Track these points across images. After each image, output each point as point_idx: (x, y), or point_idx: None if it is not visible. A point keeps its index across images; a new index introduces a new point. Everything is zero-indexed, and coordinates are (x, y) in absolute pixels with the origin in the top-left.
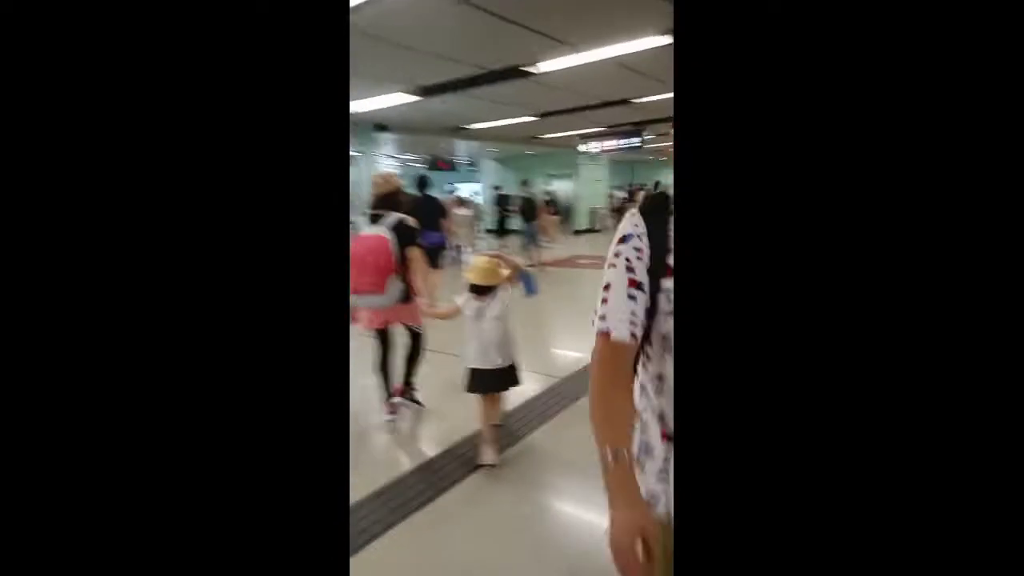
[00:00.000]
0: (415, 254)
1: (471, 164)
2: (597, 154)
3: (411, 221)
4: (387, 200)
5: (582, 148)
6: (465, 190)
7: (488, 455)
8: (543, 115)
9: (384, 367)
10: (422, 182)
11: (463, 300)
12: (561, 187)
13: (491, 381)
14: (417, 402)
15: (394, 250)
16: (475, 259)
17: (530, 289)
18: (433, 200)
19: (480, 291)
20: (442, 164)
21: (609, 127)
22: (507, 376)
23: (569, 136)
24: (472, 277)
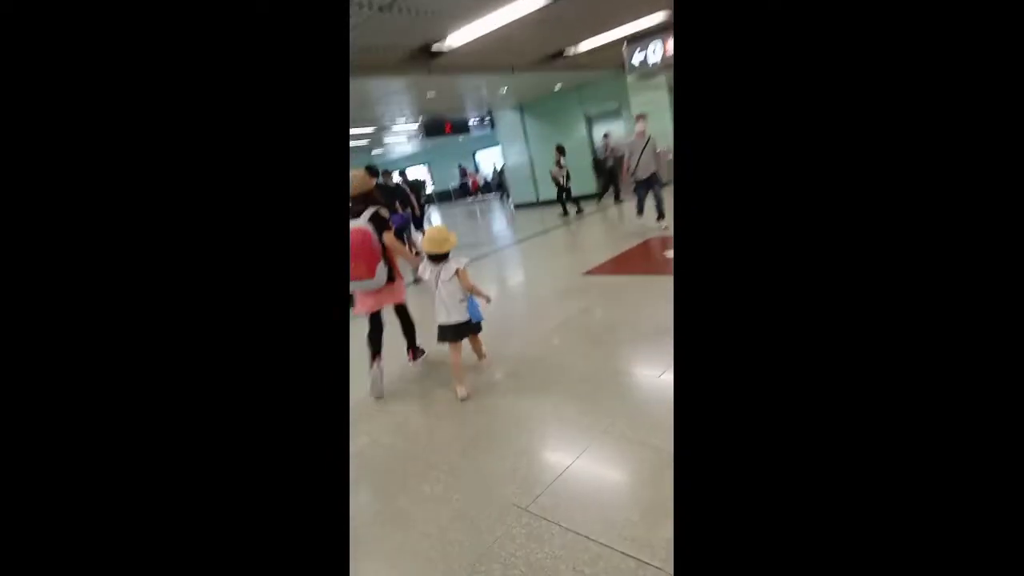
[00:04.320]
0: (390, 238)
1: (484, 120)
2: (655, 68)
3: (384, 212)
4: (363, 197)
5: (637, 58)
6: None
7: (460, 391)
8: None
9: (375, 337)
10: (373, 171)
11: (423, 268)
12: (602, 132)
13: (451, 333)
14: (422, 351)
15: (375, 238)
16: (427, 231)
17: (475, 316)
18: (389, 187)
19: (434, 259)
20: (448, 127)
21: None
22: (465, 328)
23: (607, 47)
24: (426, 247)
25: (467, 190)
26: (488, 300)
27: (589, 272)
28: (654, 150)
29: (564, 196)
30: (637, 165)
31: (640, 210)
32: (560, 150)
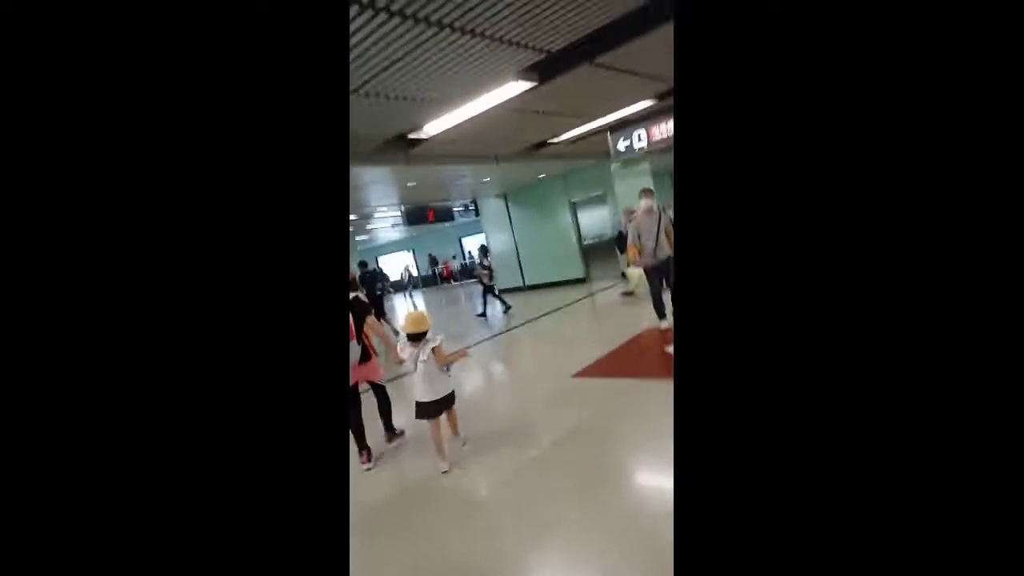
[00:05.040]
0: (371, 321)
1: (468, 207)
2: (639, 154)
3: (363, 297)
4: None
5: (622, 145)
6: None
7: (441, 464)
8: (543, 69)
9: (356, 422)
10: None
11: (402, 348)
12: (589, 218)
13: (430, 409)
14: (401, 433)
15: (351, 321)
16: (406, 314)
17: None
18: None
19: (413, 338)
20: (431, 214)
21: (655, 103)
22: (443, 404)
23: (591, 133)
24: (406, 328)
25: (439, 278)
26: (467, 354)
27: (579, 374)
28: (668, 227)
29: (486, 294)
30: (656, 245)
31: (663, 312)
32: (483, 251)
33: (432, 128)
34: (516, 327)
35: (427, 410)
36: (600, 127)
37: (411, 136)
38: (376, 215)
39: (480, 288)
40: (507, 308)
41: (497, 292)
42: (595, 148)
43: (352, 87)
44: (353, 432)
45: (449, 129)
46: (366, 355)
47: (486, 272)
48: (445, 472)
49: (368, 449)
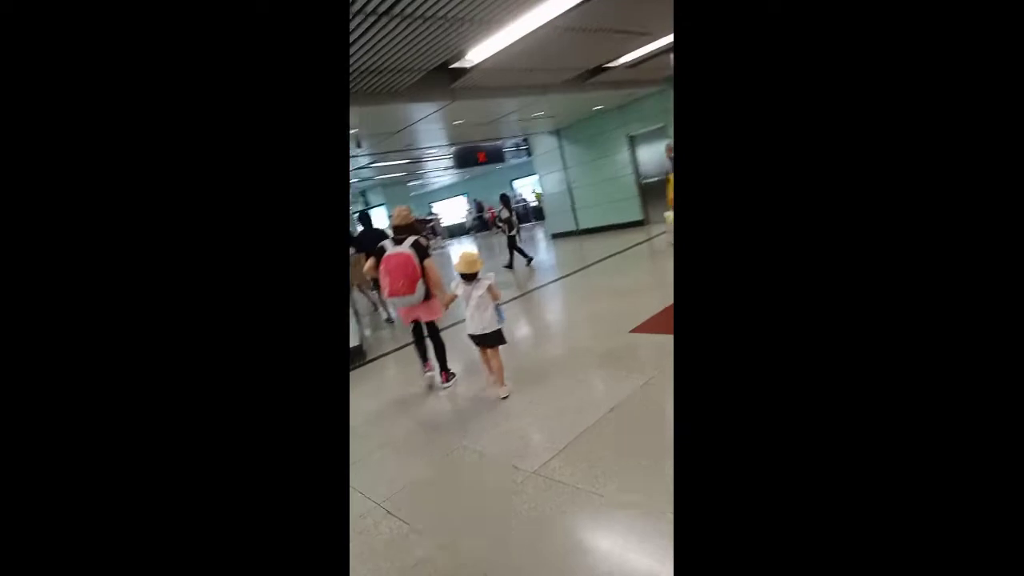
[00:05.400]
0: (429, 264)
1: (520, 147)
2: None
3: (423, 240)
4: (406, 228)
5: None
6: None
7: (500, 391)
8: None
9: (420, 346)
10: (364, 218)
11: (455, 286)
12: (649, 154)
13: (476, 340)
14: (454, 374)
15: (416, 262)
16: (460, 255)
17: (500, 318)
18: (375, 230)
19: (466, 278)
20: (482, 156)
21: None
22: (493, 338)
23: (654, 55)
24: (459, 268)
25: (484, 224)
26: (497, 297)
27: (637, 329)
28: None
29: (511, 244)
30: None
31: None
32: (504, 201)
33: (477, 55)
34: (570, 275)
35: (475, 341)
36: (663, 47)
37: (454, 66)
38: (427, 159)
39: (507, 240)
40: (509, 265)
41: (518, 244)
42: (657, 73)
43: (384, 7)
44: (418, 351)
45: (496, 54)
46: (428, 294)
47: (504, 224)
48: (504, 398)
49: (429, 361)
